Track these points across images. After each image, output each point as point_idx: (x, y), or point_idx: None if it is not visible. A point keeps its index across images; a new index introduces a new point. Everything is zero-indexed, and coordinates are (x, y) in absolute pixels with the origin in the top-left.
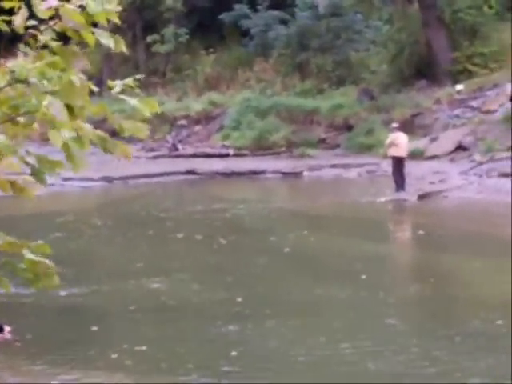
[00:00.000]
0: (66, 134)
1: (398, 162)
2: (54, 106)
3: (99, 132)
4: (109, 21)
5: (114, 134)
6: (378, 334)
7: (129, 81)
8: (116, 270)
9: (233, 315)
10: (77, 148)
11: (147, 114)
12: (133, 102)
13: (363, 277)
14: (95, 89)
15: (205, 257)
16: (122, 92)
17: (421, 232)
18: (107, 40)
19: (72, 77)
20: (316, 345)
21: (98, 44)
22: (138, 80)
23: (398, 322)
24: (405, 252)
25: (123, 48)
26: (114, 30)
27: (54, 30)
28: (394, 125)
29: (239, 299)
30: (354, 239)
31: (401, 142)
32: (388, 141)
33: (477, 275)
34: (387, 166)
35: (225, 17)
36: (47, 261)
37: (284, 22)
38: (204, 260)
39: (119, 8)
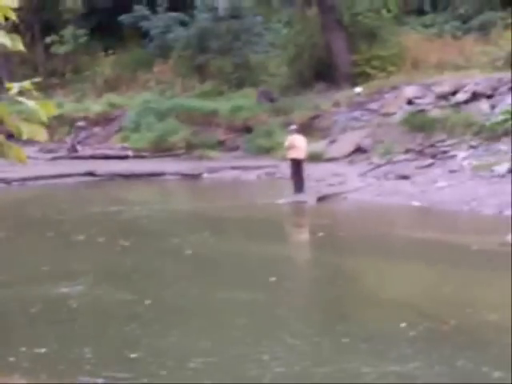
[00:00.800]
0: None
1: (297, 165)
2: None
3: None
4: (7, 18)
5: (12, 135)
6: (279, 338)
7: (27, 83)
8: (17, 273)
9: (135, 318)
10: None
11: (44, 117)
12: (30, 104)
13: (271, 279)
14: None
15: (108, 259)
16: (21, 94)
17: (321, 234)
18: (3, 38)
19: None
20: (215, 349)
21: None
22: (37, 82)
23: (300, 325)
24: (306, 254)
25: (20, 46)
26: (12, 30)
27: None
28: (292, 127)
29: (147, 302)
30: (256, 241)
31: (299, 145)
32: (286, 143)
33: (378, 276)
34: (286, 168)
35: (124, 18)
36: None
37: (184, 24)
38: (107, 263)
39: (15, 4)
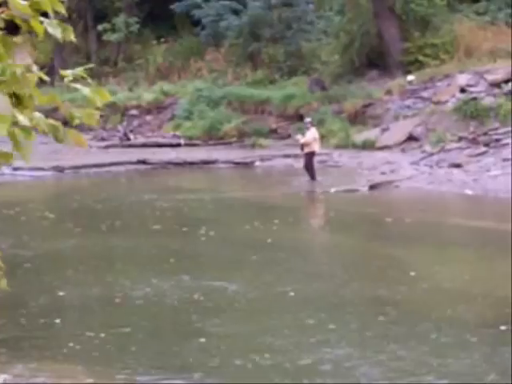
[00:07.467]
0: (22, 120)
1: (313, 156)
2: None
3: (51, 121)
4: (56, 11)
5: (66, 123)
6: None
7: (80, 70)
8: (101, 264)
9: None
10: (23, 137)
11: (98, 103)
12: (85, 90)
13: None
14: (46, 78)
15: (205, 250)
16: (75, 81)
17: (389, 219)
18: (55, 29)
19: (15, 67)
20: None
21: (49, 33)
22: (90, 69)
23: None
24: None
25: (71, 37)
26: (65, 19)
27: (2, 19)
28: (308, 120)
29: (292, 294)
30: (329, 230)
31: (318, 137)
32: (310, 137)
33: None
34: (338, 157)
35: (176, 6)
36: None
37: (236, 12)
38: (205, 253)
39: None
